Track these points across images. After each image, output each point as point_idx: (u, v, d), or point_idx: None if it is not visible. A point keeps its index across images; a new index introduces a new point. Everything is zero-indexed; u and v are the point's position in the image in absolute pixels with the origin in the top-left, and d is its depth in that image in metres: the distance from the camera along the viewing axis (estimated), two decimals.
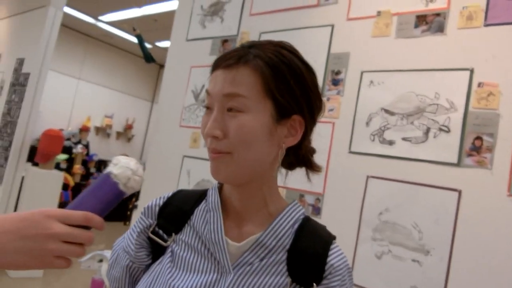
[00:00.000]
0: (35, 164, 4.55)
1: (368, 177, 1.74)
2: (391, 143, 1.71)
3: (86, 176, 7.77)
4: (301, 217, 0.77)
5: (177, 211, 0.80)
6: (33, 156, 4.53)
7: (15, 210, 4.11)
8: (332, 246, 0.75)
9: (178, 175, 2.45)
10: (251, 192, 0.75)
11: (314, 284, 0.70)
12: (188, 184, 2.38)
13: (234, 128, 0.68)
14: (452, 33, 1.63)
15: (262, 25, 2.26)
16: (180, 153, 2.47)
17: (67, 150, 7.33)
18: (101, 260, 2.58)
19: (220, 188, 0.80)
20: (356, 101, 1.84)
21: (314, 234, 0.75)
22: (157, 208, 0.81)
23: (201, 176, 2.34)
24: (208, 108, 0.72)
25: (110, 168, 0.69)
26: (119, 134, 8.81)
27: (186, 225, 0.78)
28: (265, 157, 0.72)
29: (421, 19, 1.72)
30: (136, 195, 7.09)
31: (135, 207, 2.71)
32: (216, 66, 0.73)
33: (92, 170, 7.94)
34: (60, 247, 0.60)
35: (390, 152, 1.70)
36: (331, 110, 1.88)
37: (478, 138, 1.51)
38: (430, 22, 1.69)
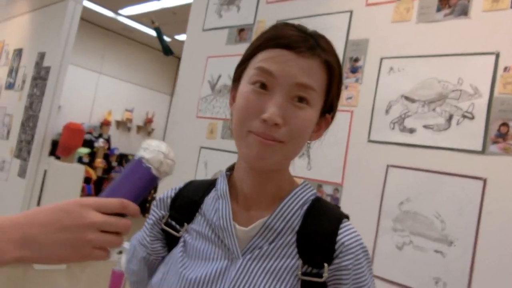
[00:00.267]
0: (57, 158, 4.63)
1: (388, 166, 1.69)
2: (411, 131, 1.66)
3: (108, 169, 7.88)
4: (311, 197, 0.75)
5: (188, 201, 0.79)
6: (55, 150, 4.61)
7: (38, 203, 4.19)
8: (342, 225, 0.71)
9: (196, 167, 2.44)
10: (270, 178, 0.74)
11: (325, 264, 0.67)
12: (205, 175, 2.37)
13: (300, 120, 0.67)
14: (477, 16, 1.57)
15: (279, 13, 2.22)
16: (197, 144, 2.46)
17: (89, 144, 7.44)
18: (120, 252, 2.60)
19: (229, 175, 0.79)
20: (375, 89, 1.79)
21: (324, 213, 0.73)
22: (169, 200, 0.81)
23: (219, 167, 2.33)
24: (263, 87, 0.67)
25: (141, 153, 0.66)
26: (139, 128, 8.89)
27: (197, 214, 0.78)
28: (301, 149, 0.72)
29: (443, 2, 1.65)
30: (155, 187, 7.17)
31: (153, 199, 2.71)
32: (279, 45, 0.67)
33: (114, 163, 8.05)
34: (98, 237, 0.58)
35: (411, 140, 1.65)
36: (349, 98, 1.84)
37: (504, 124, 1.45)
38: (453, 5, 1.63)
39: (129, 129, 8.74)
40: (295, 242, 0.70)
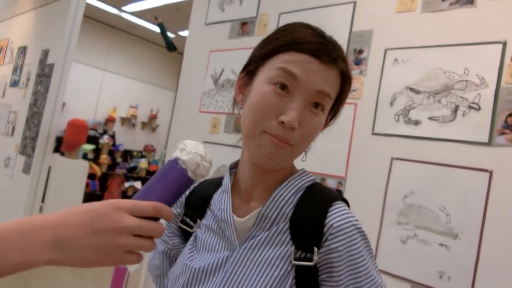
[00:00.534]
0: (62, 155, 4.63)
1: (392, 159, 1.67)
2: (416, 123, 1.63)
3: (113, 166, 7.90)
4: (307, 184, 0.75)
5: (199, 198, 0.83)
6: (60, 146, 4.62)
7: (42, 200, 4.20)
8: (332, 207, 0.70)
9: None
10: (270, 173, 0.75)
11: (315, 248, 0.67)
12: None
13: (313, 127, 0.70)
14: (483, 4, 1.53)
15: (281, 5, 2.20)
16: (200, 138, 2.45)
17: (94, 140, 7.46)
18: None
19: (235, 171, 0.82)
20: (380, 81, 1.76)
21: (315, 198, 0.73)
22: (183, 198, 0.85)
23: (221, 161, 2.31)
24: (283, 89, 0.68)
25: (177, 154, 0.64)
26: (144, 124, 8.91)
27: (207, 209, 0.81)
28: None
29: None
30: None
31: None
32: (305, 50, 0.68)
33: (118, 160, 8.07)
34: (131, 242, 0.56)
35: (416, 132, 1.63)
36: (353, 90, 1.81)
37: (511, 115, 1.42)
38: None
39: (133, 125, 8.76)
40: (289, 229, 0.71)
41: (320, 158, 1.88)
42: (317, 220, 0.69)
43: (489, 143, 1.46)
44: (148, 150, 8.69)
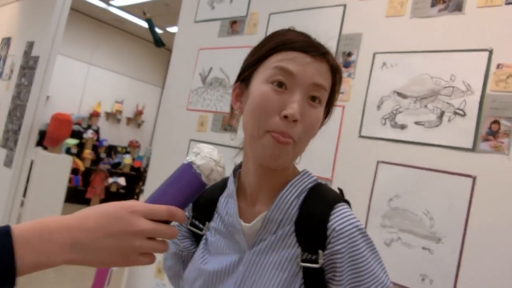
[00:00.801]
0: (45, 149, 4.56)
1: (378, 162, 1.68)
2: (403, 127, 1.65)
3: (96, 161, 7.81)
4: (309, 186, 0.78)
5: (207, 201, 0.86)
6: (43, 141, 4.54)
7: (24, 194, 4.13)
8: (334, 210, 0.73)
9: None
10: (274, 174, 0.77)
11: (320, 250, 0.70)
12: None
13: (313, 118, 0.72)
14: (471, 12, 1.55)
15: (271, 5, 2.19)
16: (187, 136, 2.43)
17: (78, 135, 7.37)
18: None
19: (239, 173, 0.84)
20: (368, 84, 1.77)
21: (318, 200, 0.75)
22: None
23: None
24: (281, 86, 0.71)
25: (192, 158, 0.65)
26: (129, 120, 8.83)
27: (215, 212, 0.84)
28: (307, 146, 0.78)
29: None
30: (143, 180, 7.13)
31: (141, 191, 2.69)
32: (296, 48, 0.72)
33: (102, 155, 7.99)
34: (145, 244, 0.59)
35: (402, 136, 1.64)
36: (341, 93, 1.81)
37: (496, 122, 1.44)
38: (447, 0, 1.61)
39: (118, 120, 8.68)
40: (294, 232, 0.73)
41: (306, 160, 1.88)
42: (320, 223, 0.71)
43: (473, 149, 1.48)
44: (133, 146, 8.62)
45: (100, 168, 7.59)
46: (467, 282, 1.42)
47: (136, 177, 8.20)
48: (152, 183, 2.55)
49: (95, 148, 7.84)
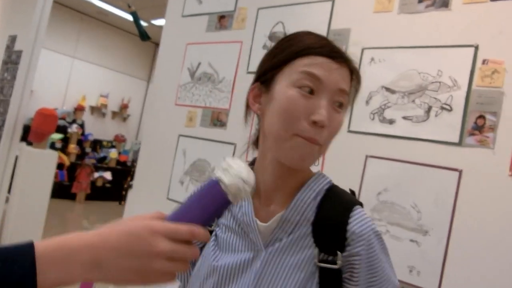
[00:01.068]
0: (29, 144, 4.49)
1: (367, 156, 1.71)
2: (391, 122, 1.67)
3: (81, 155, 7.73)
4: (325, 187, 0.80)
5: None
6: (27, 135, 4.47)
7: (9, 190, 4.08)
8: (352, 213, 0.76)
9: (174, 155, 2.41)
10: (293, 174, 0.78)
11: (338, 252, 0.72)
12: (183, 163, 2.34)
13: (337, 123, 0.75)
14: (457, 8, 1.58)
15: (260, 0, 2.19)
16: (175, 132, 2.43)
17: (62, 129, 7.28)
18: None
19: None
20: None
21: (335, 202, 0.78)
22: None
23: (197, 155, 2.30)
24: (310, 92, 0.72)
25: (220, 175, 0.63)
26: (114, 114, 8.74)
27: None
28: None
29: None
30: (131, 175, 7.08)
31: (130, 186, 2.68)
32: (322, 53, 0.73)
33: (88, 149, 7.91)
34: (165, 266, 0.58)
35: (390, 131, 1.67)
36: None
37: (481, 117, 1.48)
38: None
39: (103, 114, 8.59)
40: (311, 233, 0.75)
41: None
42: (340, 225, 0.74)
43: (460, 143, 1.51)
44: (119, 140, 8.54)
45: (86, 163, 7.52)
46: (453, 273, 1.46)
47: (123, 171, 8.15)
48: (141, 178, 2.54)
49: (80, 143, 7.75)
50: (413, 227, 1.56)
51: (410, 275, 1.54)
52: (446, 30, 1.59)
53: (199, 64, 2.39)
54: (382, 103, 1.70)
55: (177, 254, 0.58)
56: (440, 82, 1.58)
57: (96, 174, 7.73)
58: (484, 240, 1.41)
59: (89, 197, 7.63)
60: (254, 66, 2.11)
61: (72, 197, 7.47)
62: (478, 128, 1.48)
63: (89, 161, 7.60)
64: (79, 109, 7.91)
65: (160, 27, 2.70)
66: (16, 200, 4.09)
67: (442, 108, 1.56)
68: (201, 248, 0.85)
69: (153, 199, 2.45)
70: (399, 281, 1.53)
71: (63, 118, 7.40)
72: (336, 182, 1.82)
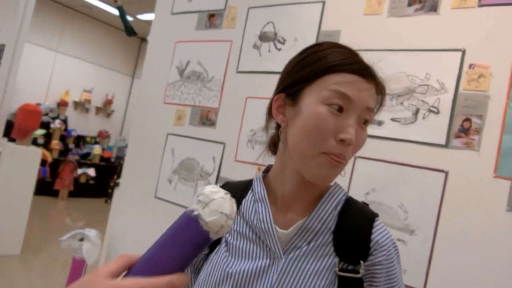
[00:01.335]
0: (12, 140, 4.42)
1: (355, 157, 1.73)
2: (380, 123, 1.70)
3: (64, 151, 7.62)
4: (343, 198, 0.81)
5: None
6: (10, 131, 4.39)
7: None
8: (375, 223, 0.78)
9: (162, 153, 2.40)
10: (314, 186, 0.79)
11: (361, 261, 0.74)
12: (172, 162, 2.34)
13: (362, 141, 0.76)
14: (446, 13, 1.61)
15: None
16: (164, 130, 2.42)
17: (45, 125, 7.16)
18: (82, 239, 2.54)
19: (263, 177, 0.85)
20: None
21: (357, 213, 0.79)
22: None
23: (186, 154, 2.30)
24: (339, 110, 0.72)
25: (198, 208, 0.55)
26: (98, 109, 8.64)
27: (236, 215, 0.81)
28: None
29: None
30: (118, 173, 7.01)
31: (116, 184, 2.66)
32: (354, 71, 0.74)
33: (71, 145, 7.80)
34: None
35: (379, 132, 1.69)
36: None
37: (467, 120, 1.51)
38: (423, 0, 1.66)
39: (87, 110, 8.48)
40: (332, 241, 0.76)
41: None
42: (364, 235, 0.76)
43: (446, 145, 1.54)
44: (102, 136, 8.45)
45: (69, 159, 7.42)
46: (439, 272, 1.49)
47: (107, 167, 8.06)
48: (128, 177, 2.53)
49: (63, 139, 7.65)
50: (400, 226, 1.59)
51: None
52: (434, 34, 1.62)
53: (188, 62, 2.38)
54: None
55: None
56: (428, 85, 1.61)
57: (80, 171, 7.64)
58: (469, 239, 1.45)
59: (72, 194, 7.54)
60: (244, 65, 2.11)
61: (55, 194, 7.37)
62: (464, 131, 1.52)
63: (73, 157, 7.51)
64: (62, 104, 7.79)
65: (146, 22, 2.69)
66: None
67: (430, 111, 1.59)
68: (207, 255, 0.84)
69: (140, 197, 2.43)
70: None
71: (46, 114, 7.29)
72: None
